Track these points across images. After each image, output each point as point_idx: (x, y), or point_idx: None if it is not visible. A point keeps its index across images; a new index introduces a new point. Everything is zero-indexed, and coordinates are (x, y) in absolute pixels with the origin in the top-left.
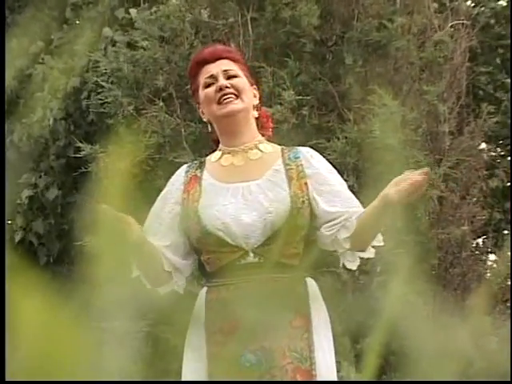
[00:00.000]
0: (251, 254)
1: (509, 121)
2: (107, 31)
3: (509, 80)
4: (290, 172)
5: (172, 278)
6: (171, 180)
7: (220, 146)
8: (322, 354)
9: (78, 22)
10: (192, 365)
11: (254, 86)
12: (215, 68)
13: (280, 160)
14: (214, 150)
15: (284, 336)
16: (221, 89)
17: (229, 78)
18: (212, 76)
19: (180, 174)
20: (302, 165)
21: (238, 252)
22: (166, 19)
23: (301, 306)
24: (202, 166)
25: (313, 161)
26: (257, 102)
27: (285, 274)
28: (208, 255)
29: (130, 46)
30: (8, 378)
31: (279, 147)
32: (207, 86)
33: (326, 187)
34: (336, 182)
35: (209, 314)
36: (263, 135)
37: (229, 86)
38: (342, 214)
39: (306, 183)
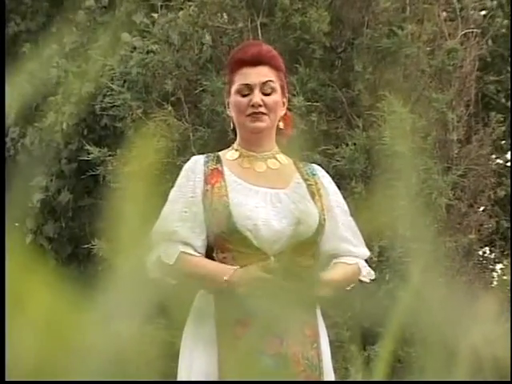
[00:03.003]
0: (272, 259)
1: None
2: (126, 36)
3: None
4: (311, 188)
5: None
6: (188, 168)
7: (237, 145)
8: (328, 363)
9: (90, 25)
10: (201, 358)
11: (286, 95)
12: (254, 78)
13: (298, 174)
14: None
15: (297, 343)
16: (253, 105)
17: (264, 93)
18: (248, 86)
19: (199, 163)
20: (319, 183)
21: (259, 255)
22: (182, 24)
23: (310, 316)
24: (219, 160)
25: (329, 189)
26: (284, 111)
27: (297, 282)
28: (224, 253)
29: (140, 49)
30: (8, 378)
31: (291, 159)
32: (242, 94)
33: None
34: (339, 219)
35: (219, 310)
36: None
37: (262, 104)
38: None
39: (322, 202)
